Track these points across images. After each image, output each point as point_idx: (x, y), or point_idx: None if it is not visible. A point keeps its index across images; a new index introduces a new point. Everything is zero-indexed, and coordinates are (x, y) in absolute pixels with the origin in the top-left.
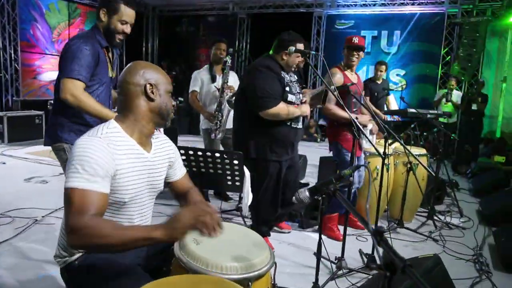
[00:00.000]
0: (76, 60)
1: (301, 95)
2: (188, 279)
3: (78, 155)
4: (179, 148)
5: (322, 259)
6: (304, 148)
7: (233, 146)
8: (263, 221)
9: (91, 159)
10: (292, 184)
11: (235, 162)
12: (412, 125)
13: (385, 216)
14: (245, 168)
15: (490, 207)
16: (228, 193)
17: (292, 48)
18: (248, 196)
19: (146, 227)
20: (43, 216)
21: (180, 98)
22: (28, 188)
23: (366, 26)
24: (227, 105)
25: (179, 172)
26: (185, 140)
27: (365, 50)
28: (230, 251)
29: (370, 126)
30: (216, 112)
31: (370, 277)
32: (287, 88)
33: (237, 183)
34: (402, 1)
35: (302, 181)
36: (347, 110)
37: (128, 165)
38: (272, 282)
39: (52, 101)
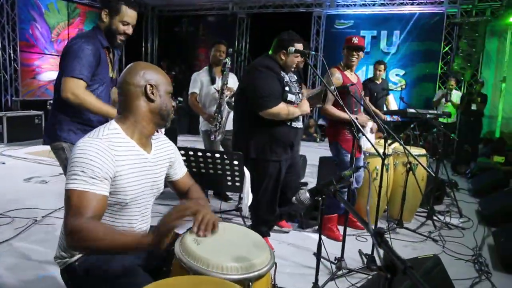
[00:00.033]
0: (77, 60)
1: (300, 95)
2: (189, 280)
3: (78, 157)
4: (179, 148)
5: (321, 259)
6: (303, 148)
7: (233, 146)
8: (263, 221)
9: (90, 161)
10: (293, 184)
11: (235, 162)
12: (412, 125)
13: (385, 216)
14: (245, 169)
15: (489, 207)
16: (228, 193)
17: (292, 49)
18: (248, 197)
19: (137, 234)
20: (43, 217)
21: (179, 98)
22: (27, 188)
23: (365, 26)
24: (226, 106)
25: (180, 171)
26: (184, 140)
27: (365, 50)
28: (230, 251)
29: (370, 124)
30: (216, 114)
31: (370, 277)
32: (287, 88)
33: (237, 184)
34: (402, 1)
35: (301, 181)
36: (347, 110)
37: (128, 166)
38: (272, 283)
39: (51, 101)
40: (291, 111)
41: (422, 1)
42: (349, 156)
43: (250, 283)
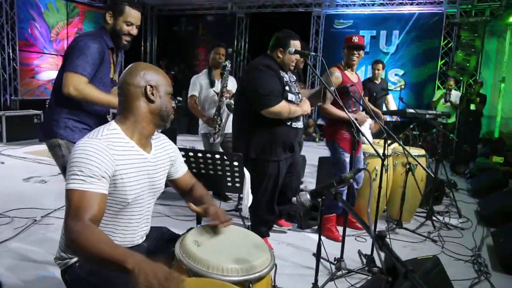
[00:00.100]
0: (82, 57)
1: (300, 95)
2: (192, 283)
3: (77, 157)
4: (179, 149)
5: (321, 259)
6: (303, 147)
7: (233, 146)
8: (262, 221)
9: (89, 160)
10: (293, 184)
11: (235, 163)
12: (411, 126)
13: (384, 216)
14: (245, 169)
15: (488, 208)
16: (227, 193)
17: (292, 49)
18: (248, 198)
19: (125, 251)
20: (42, 216)
21: (179, 98)
22: (27, 188)
23: (364, 26)
24: (226, 109)
25: (181, 170)
26: (184, 139)
27: (365, 49)
28: (230, 252)
29: (369, 121)
30: (215, 117)
31: (369, 278)
32: (287, 88)
33: (237, 185)
34: (401, 1)
35: (301, 180)
36: (346, 110)
37: (128, 167)
38: (273, 284)
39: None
40: (292, 109)
41: (422, 1)
42: (346, 154)
43: (251, 285)
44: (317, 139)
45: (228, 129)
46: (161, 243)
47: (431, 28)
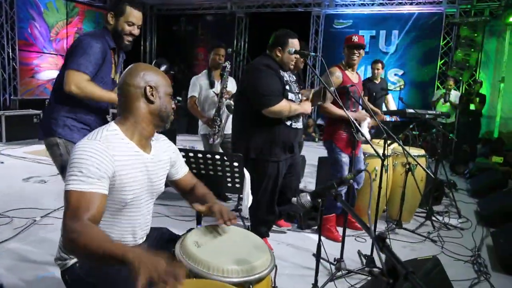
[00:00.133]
0: (85, 56)
1: (300, 95)
2: (192, 284)
3: (76, 158)
4: (179, 150)
5: (321, 260)
6: (303, 148)
7: (232, 146)
8: (262, 221)
9: (88, 161)
10: (293, 184)
11: (235, 164)
12: (411, 126)
13: (384, 216)
14: (245, 170)
15: (488, 208)
16: (227, 193)
17: (292, 50)
18: (248, 198)
19: (125, 246)
20: (41, 217)
21: (178, 98)
22: (26, 188)
23: (364, 26)
24: (225, 110)
25: (182, 170)
26: (183, 139)
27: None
28: (231, 253)
29: (367, 120)
30: (215, 117)
31: (369, 278)
32: (287, 87)
33: (237, 185)
34: (400, 1)
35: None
36: (345, 111)
37: (128, 167)
38: (273, 285)
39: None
40: (293, 107)
41: (421, 1)
42: (343, 154)
43: (251, 286)
44: (316, 139)
45: (228, 129)
46: (161, 244)
47: (430, 28)
